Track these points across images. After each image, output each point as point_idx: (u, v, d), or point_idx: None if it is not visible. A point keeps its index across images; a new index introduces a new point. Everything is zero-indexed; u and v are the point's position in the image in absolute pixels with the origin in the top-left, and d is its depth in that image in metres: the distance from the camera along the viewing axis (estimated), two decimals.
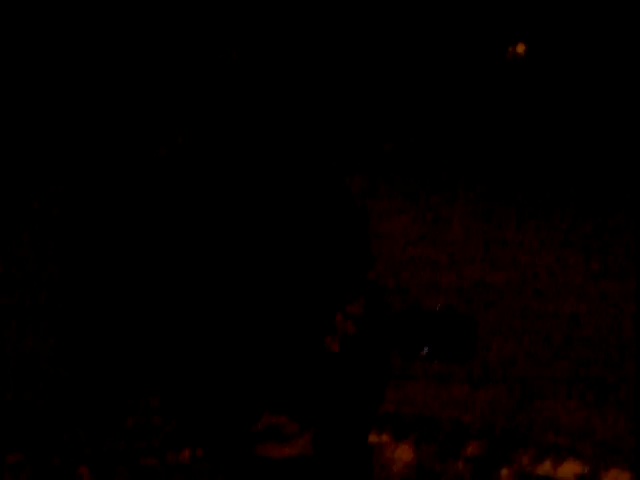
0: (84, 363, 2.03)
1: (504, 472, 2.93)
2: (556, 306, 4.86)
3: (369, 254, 2.14)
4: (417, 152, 10.06)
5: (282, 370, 1.99)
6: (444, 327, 1.84)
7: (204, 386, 2.01)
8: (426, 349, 1.86)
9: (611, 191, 7.71)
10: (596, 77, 10.03)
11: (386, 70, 10.24)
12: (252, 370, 1.98)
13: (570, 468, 2.95)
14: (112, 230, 2.06)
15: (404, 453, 2.97)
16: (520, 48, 10.76)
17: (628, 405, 3.54)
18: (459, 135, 10.14)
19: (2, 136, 8.47)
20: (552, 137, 9.65)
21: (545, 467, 2.97)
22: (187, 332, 1.96)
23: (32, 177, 8.01)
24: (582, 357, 4.08)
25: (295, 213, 2.02)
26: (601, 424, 3.33)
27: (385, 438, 3.09)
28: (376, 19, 9.95)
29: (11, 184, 7.97)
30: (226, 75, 2.11)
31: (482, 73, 10.70)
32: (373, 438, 2.37)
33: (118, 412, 3.36)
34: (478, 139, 9.85)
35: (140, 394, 3.01)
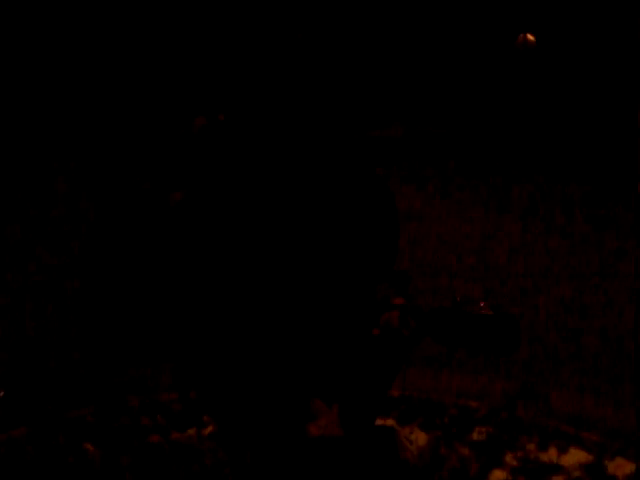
0: (93, 338, 2.03)
1: (508, 458, 2.93)
2: (564, 295, 4.86)
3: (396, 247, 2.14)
4: (427, 139, 10.03)
5: (314, 351, 1.99)
6: (487, 324, 1.84)
7: (229, 361, 2.01)
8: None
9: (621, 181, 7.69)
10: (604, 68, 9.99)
11: (398, 57, 10.19)
12: (282, 350, 1.98)
13: (574, 456, 2.96)
14: (140, 207, 2.05)
15: (419, 437, 2.98)
16: (530, 37, 10.71)
17: (633, 394, 3.54)
18: (470, 122, 10.10)
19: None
20: (564, 125, 9.62)
21: (550, 454, 2.97)
22: (215, 308, 1.96)
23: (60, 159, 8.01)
24: (589, 346, 4.08)
25: (329, 204, 2.02)
26: (606, 413, 3.33)
27: (390, 422, 3.10)
28: (386, 9, 9.92)
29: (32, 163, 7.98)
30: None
31: (492, 61, 10.65)
32: (378, 422, 2.37)
33: (124, 389, 3.36)
34: (489, 127, 9.82)
35: (149, 370, 3.01)
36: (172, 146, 2.11)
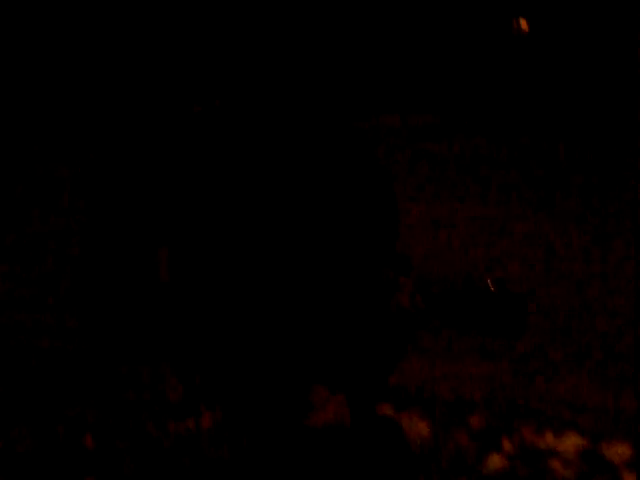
0: (91, 330, 2.04)
1: (505, 443, 2.95)
2: (558, 281, 4.87)
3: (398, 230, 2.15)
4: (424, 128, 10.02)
5: (319, 336, 2.00)
6: (496, 305, 1.85)
7: (232, 349, 2.01)
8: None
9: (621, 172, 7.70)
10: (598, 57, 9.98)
11: (394, 45, 10.17)
12: (286, 337, 1.99)
13: (571, 441, 2.97)
14: (138, 183, 2.05)
15: (419, 426, 2.99)
16: (523, 22, 10.68)
17: (629, 379, 3.55)
18: (466, 109, 10.09)
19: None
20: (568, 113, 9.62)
21: (546, 439, 2.98)
22: (217, 294, 1.96)
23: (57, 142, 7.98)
24: (584, 331, 4.09)
25: (334, 189, 2.02)
26: (602, 398, 3.35)
27: (387, 409, 3.11)
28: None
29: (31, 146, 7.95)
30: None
31: (486, 47, 10.63)
32: (377, 412, 2.39)
33: (122, 382, 3.37)
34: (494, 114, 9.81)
35: (147, 362, 3.02)
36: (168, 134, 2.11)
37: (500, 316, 1.85)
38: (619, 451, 2.90)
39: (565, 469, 2.80)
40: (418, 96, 9.92)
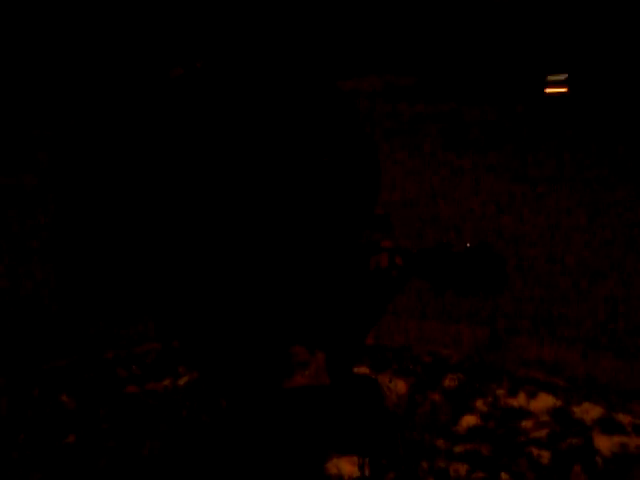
0: (70, 290, 2.03)
1: (479, 404, 2.99)
2: (532, 246, 4.90)
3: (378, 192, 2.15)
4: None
5: (298, 296, 2.00)
6: (474, 262, 1.86)
7: (214, 312, 2.02)
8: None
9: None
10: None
11: (374, 8, 10.10)
12: (266, 299, 1.99)
13: (543, 401, 3.01)
14: (114, 157, 2.04)
15: (398, 385, 3.02)
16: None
17: (598, 341, 3.61)
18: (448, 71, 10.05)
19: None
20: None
21: (519, 400, 3.02)
22: (196, 258, 1.96)
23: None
24: (556, 295, 4.14)
25: (311, 153, 2.01)
26: (574, 359, 3.39)
27: (364, 370, 3.14)
28: None
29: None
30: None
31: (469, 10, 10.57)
32: (355, 371, 2.41)
33: (99, 342, 3.38)
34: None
35: (126, 321, 3.02)
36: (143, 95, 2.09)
37: (478, 274, 1.87)
38: (590, 411, 2.95)
39: (537, 429, 2.85)
40: (398, 58, 9.88)
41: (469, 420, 2.87)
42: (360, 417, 2.16)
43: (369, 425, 2.20)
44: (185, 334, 2.13)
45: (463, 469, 2.60)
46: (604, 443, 2.77)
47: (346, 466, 2.49)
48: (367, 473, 2.20)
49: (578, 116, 8.88)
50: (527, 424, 2.86)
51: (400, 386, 3.03)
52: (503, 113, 8.90)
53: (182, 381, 3.06)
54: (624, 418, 2.91)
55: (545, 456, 2.67)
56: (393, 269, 1.94)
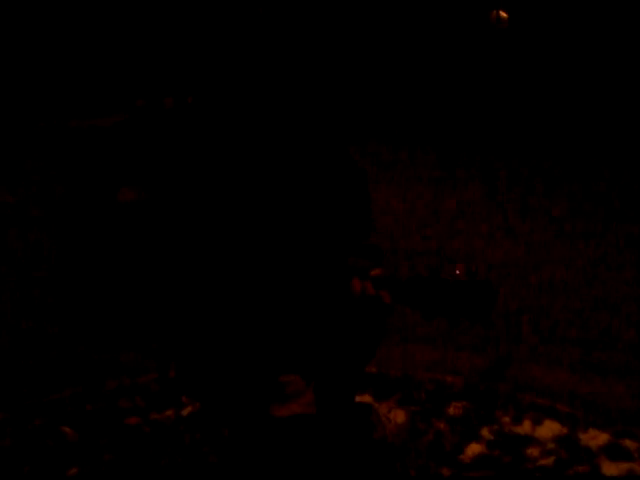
0: (72, 320, 2.03)
1: (484, 431, 2.97)
2: (538, 271, 4.90)
3: (370, 219, 2.15)
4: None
5: (290, 325, 2.00)
6: (463, 290, 1.85)
7: (211, 341, 2.01)
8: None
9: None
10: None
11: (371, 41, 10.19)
12: (259, 327, 1.99)
13: (549, 428, 2.99)
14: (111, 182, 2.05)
15: (397, 414, 3.01)
16: (503, 13, 10.70)
17: (607, 367, 3.59)
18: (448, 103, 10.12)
19: None
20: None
21: (524, 427, 3.01)
22: (192, 283, 1.96)
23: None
24: (562, 319, 4.12)
25: (303, 179, 2.02)
26: (580, 385, 3.38)
27: (367, 398, 3.12)
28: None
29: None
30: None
31: (466, 38, 10.63)
32: (356, 400, 2.40)
33: (102, 372, 3.36)
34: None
35: (128, 351, 3.00)
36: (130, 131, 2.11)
37: (468, 302, 1.86)
38: (596, 438, 2.93)
39: (544, 456, 2.83)
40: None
41: (475, 448, 2.85)
42: (351, 445, 2.15)
43: (362, 453, 2.18)
44: (180, 360, 2.12)
45: None
46: (611, 470, 2.75)
47: None
48: None
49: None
50: (533, 452, 2.84)
51: (402, 414, 3.01)
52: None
53: (185, 411, 3.05)
54: (631, 444, 2.89)
55: None
56: (380, 296, 1.93)
